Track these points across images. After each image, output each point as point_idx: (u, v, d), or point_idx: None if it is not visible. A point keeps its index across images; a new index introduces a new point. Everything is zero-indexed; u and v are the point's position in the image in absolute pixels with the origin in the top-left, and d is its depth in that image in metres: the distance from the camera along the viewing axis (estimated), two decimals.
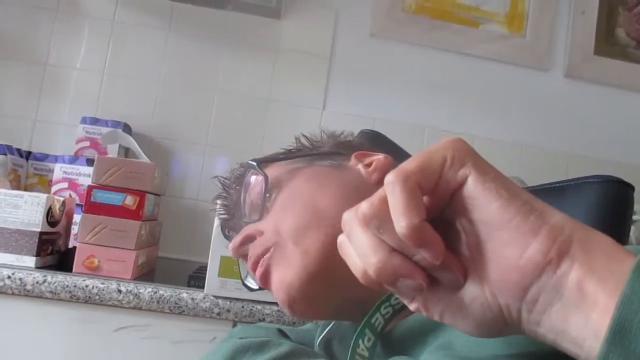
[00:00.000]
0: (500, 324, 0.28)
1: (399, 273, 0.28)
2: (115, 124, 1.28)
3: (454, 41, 1.49)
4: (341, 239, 0.32)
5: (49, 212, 0.88)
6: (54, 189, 1.13)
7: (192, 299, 0.83)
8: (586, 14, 1.55)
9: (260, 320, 0.84)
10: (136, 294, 0.83)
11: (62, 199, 0.93)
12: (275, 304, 0.85)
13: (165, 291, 0.84)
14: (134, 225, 0.90)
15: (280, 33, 1.44)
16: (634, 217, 1.07)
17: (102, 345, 0.83)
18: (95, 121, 1.28)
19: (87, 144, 1.26)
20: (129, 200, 0.90)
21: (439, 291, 0.29)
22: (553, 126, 1.53)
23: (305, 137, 0.63)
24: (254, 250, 0.52)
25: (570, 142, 1.52)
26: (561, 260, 0.25)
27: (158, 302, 0.83)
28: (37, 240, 0.86)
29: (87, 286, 0.82)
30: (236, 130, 1.41)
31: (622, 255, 0.25)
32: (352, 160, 0.57)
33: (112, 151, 1.25)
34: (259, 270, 0.51)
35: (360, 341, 0.40)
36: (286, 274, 0.49)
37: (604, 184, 0.56)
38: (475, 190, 0.27)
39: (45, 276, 0.82)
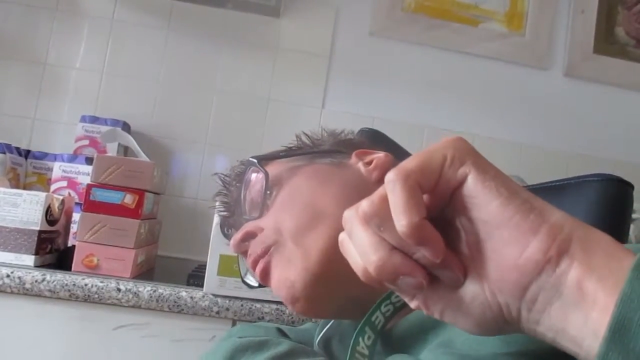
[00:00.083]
0: (500, 322, 0.28)
1: (400, 271, 0.28)
2: (115, 122, 1.28)
3: (453, 40, 1.49)
4: (342, 237, 0.32)
5: (48, 211, 0.88)
6: (53, 187, 1.13)
7: (192, 297, 0.83)
8: (586, 13, 1.55)
9: (259, 319, 0.84)
10: (135, 293, 0.83)
11: (61, 197, 0.93)
12: (275, 302, 0.85)
13: (164, 290, 0.84)
14: (133, 224, 0.90)
15: (280, 32, 1.44)
16: (634, 216, 1.07)
17: (101, 343, 0.83)
18: (94, 120, 1.28)
19: (87, 142, 1.26)
20: (128, 199, 0.90)
21: (439, 289, 0.29)
22: (553, 125, 1.53)
23: (306, 135, 0.63)
24: (254, 247, 0.52)
25: (570, 141, 1.52)
26: (561, 259, 0.25)
27: (157, 300, 0.83)
28: (36, 238, 0.86)
29: (86, 285, 0.82)
30: (236, 128, 1.41)
31: (621, 253, 0.25)
32: (353, 159, 0.57)
33: (112, 150, 1.24)
34: (259, 267, 0.52)
35: (360, 339, 0.40)
36: (288, 272, 0.49)
37: (604, 183, 0.56)
38: (475, 188, 0.27)
39: (44, 275, 0.82)
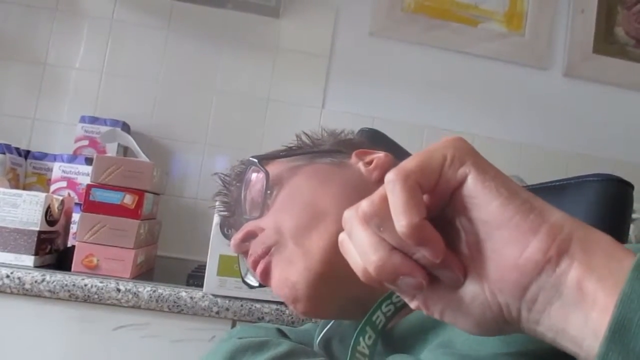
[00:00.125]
0: (500, 322, 0.28)
1: (399, 271, 0.28)
2: (114, 122, 1.28)
3: (453, 40, 1.49)
4: (342, 237, 0.32)
5: (47, 211, 0.88)
6: (52, 188, 1.13)
7: (191, 297, 0.83)
8: (585, 13, 1.55)
9: (259, 319, 0.84)
10: (135, 293, 0.83)
11: (60, 198, 0.93)
12: (275, 302, 0.85)
13: (164, 290, 0.84)
14: (133, 224, 0.90)
15: (280, 32, 1.44)
16: (634, 216, 1.07)
17: (101, 344, 0.83)
18: (94, 120, 1.28)
19: (86, 142, 1.26)
20: (128, 199, 0.90)
21: (439, 290, 0.29)
22: (552, 125, 1.53)
23: (306, 134, 0.63)
24: (254, 248, 0.52)
25: (569, 141, 1.52)
26: (561, 259, 0.25)
27: (157, 301, 0.83)
28: (35, 239, 0.86)
29: (85, 285, 0.82)
30: (235, 129, 1.41)
31: (621, 254, 0.25)
32: (353, 158, 0.57)
33: (111, 150, 1.24)
34: (260, 268, 0.52)
35: (361, 339, 0.40)
36: (289, 272, 0.49)
37: (604, 183, 0.56)
38: (475, 188, 0.27)
39: (44, 275, 0.82)
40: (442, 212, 0.29)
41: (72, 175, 1.13)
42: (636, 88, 1.56)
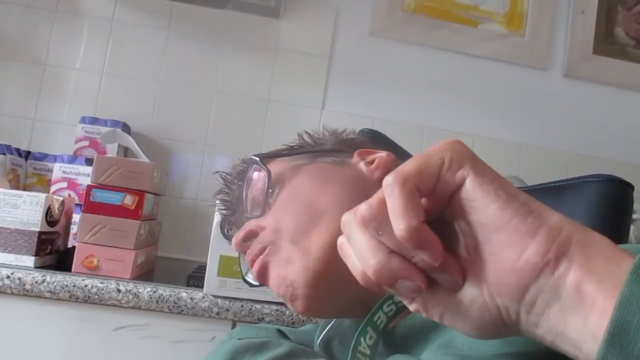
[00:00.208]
0: (499, 325, 0.28)
1: (398, 275, 0.28)
2: (115, 123, 1.28)
3: (453, 40, 1.49)
4: (340, 240, 0.32)
5: (48, 212, 0.88)
6: (53, 188, 1.13)
7: (191, 298, 0.83)
8: (585, 14, 1.55)
9: (259, 320, 0.84)
10: (135, 294, 0.83)
11: (61, 198, 0.93)
12: (275, 303, 0.85)
13: (164, 291, 0.84)
14: (133, 224, 0.90)
15: (280, 32, 1.44)
16: (634, 216, 1.07)
17: (101, 344, 0.84)
18: (94, 121, 1.28)
19: (86, 143, 1.26)
20: (128, 200, 0.90)
21: (438, 293, 0.29)
22: (553, 125, 1.53)
23: (308, 133, 0.63)
24: (253, 246, 0.53)
25: (570, 142, 1.52)
26: (559, 262, 0.25)
27: (157, 301, 0.83)
28: (36, 240, 0.86)
29: (86, 286, 0.82)
30: (235, 129, 1.41)
31: (620, 256, 0.25)
32: (355, 158, 0.57)
33: (111, 151, 1.25)
34: (256, 267, 0.52)
35: (362, 339, 0.40)
36: (286, 271, 0.49)
37: (604, 183, 0.56)
38: (473, 191, 0.27)
39: (44, 276, 0.82)
40: (440, 215, 0.29)
41: (72, 176, 1.13)
42: (636, 89, 1.56)
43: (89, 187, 0.90)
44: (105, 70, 1.38)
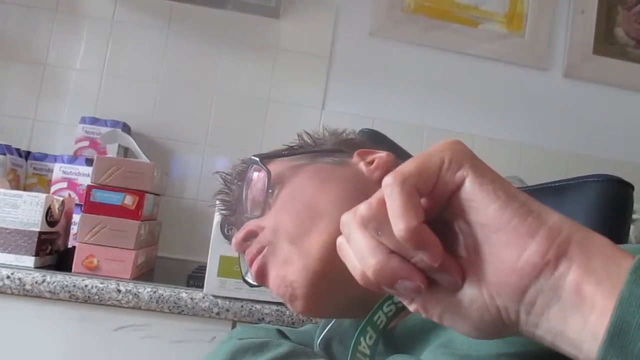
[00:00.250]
0: (499, 325, 0.28)
1: (397, 275, 0.28)
2: (115, 123, 1.28)
3: (453, 41, 1.49)
4: (340, 240, 0.32)
5: (48, 212, 0.88)
6: (53, 188, 1.13)
7: (192, 298, 0.83)
8: (585, 14, 1.55)
9: (259, 320, 0.84)
10: (135, 294, 0.83)
11: (61, 198, 0.93)
12: (275, 303, 0.85)
13: (164, 291, 0.84)
14: (133, 225, 0.90)
15: (280, 33, 1.44)
16: (634, 216, 1.07)
17: (101, 344, 0.84)
18: (94, 121, 1.28)
19: (87, 143, 1.26)
20: (128, 200, 0.90)
21: (437, 293, 0.29)
22: (553, 126, 1.53)
23: (308, 134, 0.63)
24: (252, 246, 0.53)
25: (569, 142, 1.52)
26: (559, 262, 0.25)
27: (157, 301, 0.83)
28: (36, 240, 0.86)
29: (86, 286, 0.82)
30: (236, 129, 1.41)
31: (620, 256, 0.25)
32: (355, 158, 0.57)
33: (112, 151, 1.25)
34: (254, 267, 0.52)
35: (362, 339, 0.40)
36: (285, 271, 0.49)
37: (604, 183, 0.56)
38: (472, 192, 0.27)
39: (44, 276, 0.82)
40: (440, 216, 0.29)
41: (72, 176, 1.13)
42: (636, 89, 1.56)
43: (89, 187, 0.90)
44: (105, 70, 1.38)
